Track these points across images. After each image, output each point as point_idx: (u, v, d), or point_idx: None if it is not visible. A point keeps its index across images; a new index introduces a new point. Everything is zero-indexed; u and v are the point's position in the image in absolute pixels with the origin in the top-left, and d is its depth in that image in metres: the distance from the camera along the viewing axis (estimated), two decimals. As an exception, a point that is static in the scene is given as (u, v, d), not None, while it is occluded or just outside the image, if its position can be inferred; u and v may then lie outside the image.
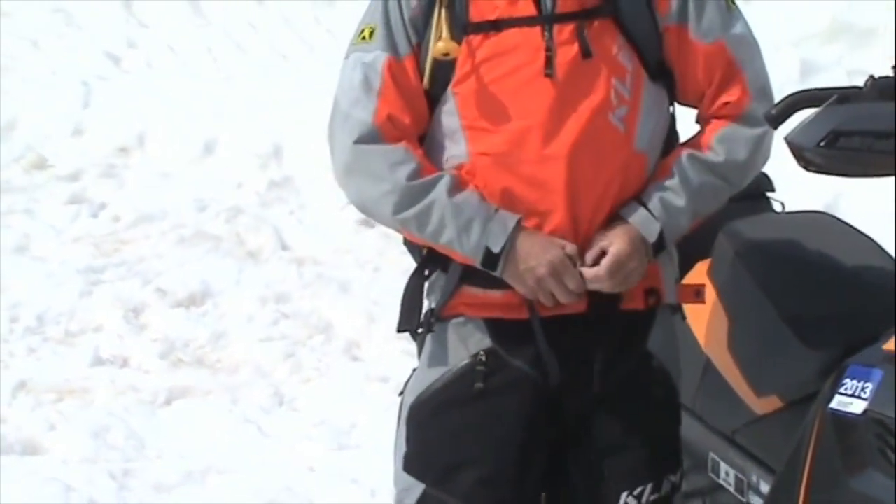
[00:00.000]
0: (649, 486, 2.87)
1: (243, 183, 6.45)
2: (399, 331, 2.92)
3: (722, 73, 2.78)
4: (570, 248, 2.66)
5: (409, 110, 2.73)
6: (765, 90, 2.82)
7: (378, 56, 2.71)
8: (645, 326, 2.85)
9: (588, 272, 2.68)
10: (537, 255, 2.66)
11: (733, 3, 2.80)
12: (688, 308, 3.36)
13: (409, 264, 3.70)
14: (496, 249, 2.65)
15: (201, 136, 6.75)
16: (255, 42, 8.04)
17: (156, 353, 5.23)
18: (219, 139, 6.71)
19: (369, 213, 2.83)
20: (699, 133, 2.83)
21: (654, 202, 2.75)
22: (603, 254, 2.67)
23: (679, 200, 2.78)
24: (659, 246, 2.76)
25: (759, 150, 2.82)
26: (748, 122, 2.79)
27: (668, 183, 2.77)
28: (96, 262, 5.83)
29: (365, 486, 4.21)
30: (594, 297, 2.73)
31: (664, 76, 2.77)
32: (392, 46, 2.72)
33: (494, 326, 2.78)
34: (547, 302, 2.68)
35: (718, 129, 2.81)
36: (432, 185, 2.68)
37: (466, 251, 2.67)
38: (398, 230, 2.80)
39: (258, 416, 4.74)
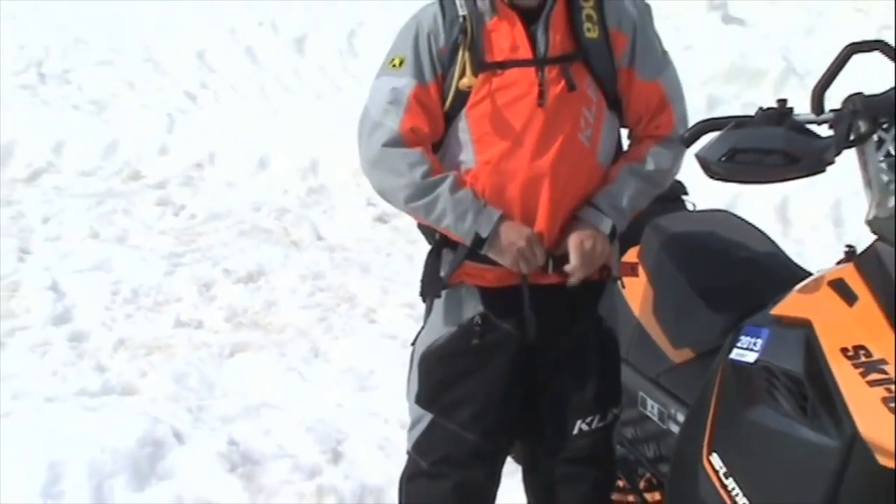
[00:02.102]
0: (597, 417, 2.89)
1: (288, 190, 6.43)
2: (421, 295, 2.92)
3: (657, 104, 2.83)
4: (532, 231, 2.71)
5: (429, 124, 2.73)
6: (685, 118, 2.88)
7: (409, 82, 2.71)
8: (597, 295, 2.87)
9: (568, 268, 2.74)
10: (517, 234, 2.69)
11: (665, 52, 2.82)
12: (623, 283, 3.34)
13: (413, 251, 3.60)
14: (484, 234, 2.69)
15: (256, 155, 6.74)
16: (298, 84, 8.03)
17: (222, 317, 5.22)
18: (270, 157, 6.70)
19: (387, 198, 2.83)
20: (633, 148, 2.89)
21: (605, 205, 2.80)
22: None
23: (623, 202, 2.81)
24: (612, 236, 2.80)
25: (678, 162, 2.87)
26: (672, 142, 2.82)
27: (613, 189, 2.82)
28: (177, 249, 5.82)
29: (380, 418, 4.22)
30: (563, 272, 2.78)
31: (616, 106, 2.77)
32: (420, 74, 2.71)
33: (486, 296, 2.79)
34: (523, 269, 2.71)
35: (650, 146, 2.84)
36: (440, 182, 2.70)
37: (461, 234, 2.69)
38: (407, 213, 2.79)
39: (299, 365, 4.73)
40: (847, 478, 2.48)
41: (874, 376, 2.47)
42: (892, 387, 2.44)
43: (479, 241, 2.70)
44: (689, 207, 3.61)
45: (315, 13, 8.87)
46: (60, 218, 6.08)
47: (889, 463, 2.42)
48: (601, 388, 2.90)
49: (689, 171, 2.91)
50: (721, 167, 2.73)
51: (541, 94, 2.68)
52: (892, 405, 2.43)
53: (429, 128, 2.74)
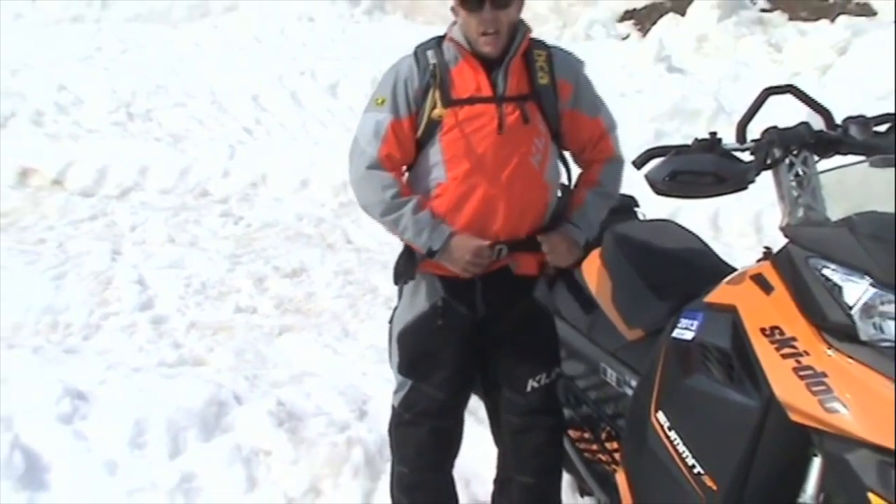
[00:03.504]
0: (544, 375, 2.91)
1: (324, 204, 6.43)
2: (395, 281, 2.94)
3: (599, 135, 2.87)
4: (482, 242, 2.74)
5: (401, 151, 2.74)
6: (618, 144, 2.95)
7: (387, 117, 2.72)
8: (532, 283, 2.87)
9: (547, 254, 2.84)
10: (464, 248, 2.75)
11: (599, 97, 2.91)
12: (587, 275, 3.34)
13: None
14: (435, 248, 2.74)
15: (299, 177, 6.74)
16: (332, 121, 7.99)
17: (272, 305, 5.20)
18: (310, 178, 6.70)
19: (367, 211, 2.85)
20: (587, 174, 2.94)
21: (582, 223, 2.88)
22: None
23: (592, 219, 2.88)
24: (585, 245, 2.93)
25: (622, 176, 2.97)
26: (615, 161, 2.91)
27: (585, 210, 2.89)
28: (237, 251, 5.80)
29: (394, 385, 4.20)
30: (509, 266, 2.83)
31: (558, 138, 2.80)
32: (396, 111, 2.72)
33: (445, 285, 2.80)
34: (467, 274, 2.77)
35: (600, 169, 2.90)
36: (405, 203, 2.74)
37: (419, 245, 2.74)
38: (381, 224, 2.85)
39: (333, 342, 4.72)
40: (765, 431, 2.48)
41: (786, 350, 2.47)
42: (801, 359, 2.44)
43: (431, 252, 2.75)
44: (640, 217, 3.61)
45: (345, 65, 8.85)
46: (145, 226, 6.08)
47: (798, 419, 2.42)
48: (544, 352, 2.94)
49: (640, 189, 2.91)
50: (665, 185, 2.73)
51: (500, 125, 2.69)
52: (801, 373, 2.43)
53: (400, 154, 2.77)
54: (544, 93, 2.75)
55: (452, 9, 2.75)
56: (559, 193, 2.94)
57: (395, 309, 2.95)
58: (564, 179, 2.93)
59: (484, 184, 2.71)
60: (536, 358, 2.90)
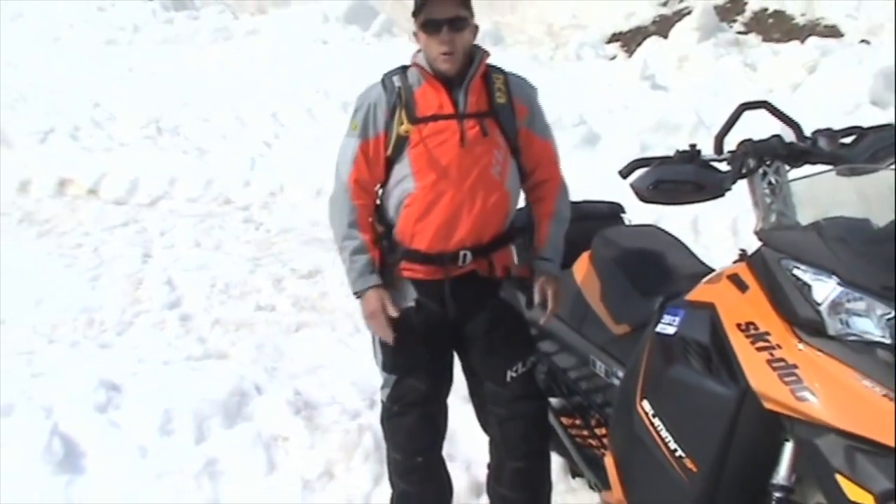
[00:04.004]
0: (520, 364, 2.89)
1: (338, 211, 6.43)
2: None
3: (549, 158, 2.92)
4: (388, 307, 2.80)
5: (370, 172, 2.81)
6: (560, 169, 2.99)
7: (356, 142, 2.77)
8: (497, 285, 2.91)
9: (546, 312, 2.93)
10: (369, 304, 2.84)
11: (548, 125, 2.95)
12: (578, 276, 3.33)
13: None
14: (355, 291, 2.85)
15: (314, 187, 6.71)
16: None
17: (289, 303, 5.19)
18: (323, 188, 6.61)
19: (331, 228, 2.91)
20: (543, 205, 2.98)
21: (553, 255, 2.96)
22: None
23: (558, 245, 2.99)
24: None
25: (568, 199, 3.01)
26: (564, 189, 2.96)
27: (552, 242, 2.96)
28: (258, 255, 5.80)
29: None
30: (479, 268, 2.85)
31: (516, 154, 2.82)
32: (365, 134, 2.77)
33: (418, 288, 2.81)
34: (371, 329, 2.93)
35: (554, 199, 2.96)
36: (353, 241, 2.81)
37: (349, 282, 2.87)
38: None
39: (346, 338, 4.71)
40: (741, 417, 2.47)
41: (760, 344, 2.47)
42: (774, 352, 2.44)
43: (356, 294, 2.84)
44: (626, 223, 3.61)
45: (356, 84, 8.80)
46: (173, 232, 6.08)
47: (772, 407, 2.42)
48: (516, 344, 2.93)
49: (626, 196, 2.91)
50: (649, 193, 2.73)
51: (462, 139, 2.72)
52: (773, 365, 2.43)
53: (370, 176, 2.81)
54: (502, 111, 2.79)
55: (414, 34, 2.83)
56: (520, 204, 2.97)
57: None
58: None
59: (450, 191, 2.73)
60: (510, 350, 2.89)
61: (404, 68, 2.83)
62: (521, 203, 3.02)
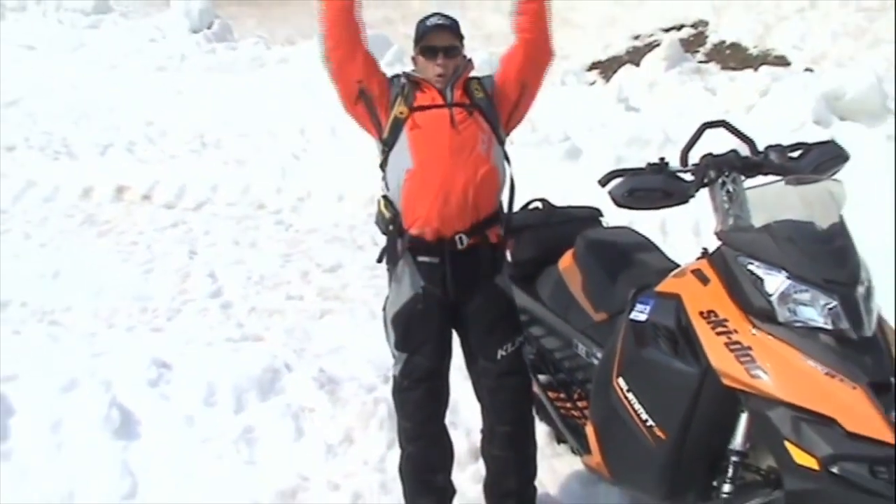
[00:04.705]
0: (510, 344, 2.86)
1: (356, 214, 6.38)
2: (378, 260, 2.95)
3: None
4: None
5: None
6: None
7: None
8: (492, 271, 2.88)
9: None
10: None
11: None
12: (562, 270, 3.32)
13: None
14: None
15: (336, 193, 6.70)
16: (363, 149, 7.98)
17: (315, 293, 5.17)
18: (345, 194, 6.66)
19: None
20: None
21: None
22: None
23: None
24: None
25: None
26: None
27: None
28: (288, 251, 5.77)
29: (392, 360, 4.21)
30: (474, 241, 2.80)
31: (498, 134, 2.82)
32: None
33: (423, 274, 2.79)
34: None
35: None
36: None
37: None
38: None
39: (363, 323, 4.69)
40: (703, 392, 2.48)
41: (720, 329, 2.47)
42: (731, 336, 2.44)
43: None
44: (604, 225, 3.60)
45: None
46: (215, 232, 6.06)
47: (729, 383, 2.42)
48: (507, 327, 2.91)
49: (604, 202, 2.91)
50: (624, 199, 2.73)
51: (451, 121, 2.75)
52: (731, 347, 2.43)
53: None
54: (482, 102, 2.84)
55: (413, 58, 2.90)
56: (507, 183, 2.93)
57: (387, 298, 2.94)
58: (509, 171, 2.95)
59: (444, 165, 2.75)
60: (502, 332, 2.88)
61: (408, 75, 2.90)
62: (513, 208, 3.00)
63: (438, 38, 2.81)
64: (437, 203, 2.74)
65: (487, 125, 2.81)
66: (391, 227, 2.84)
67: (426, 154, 2.75)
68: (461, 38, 2.88)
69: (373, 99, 2.85)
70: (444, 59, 2.80)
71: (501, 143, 2.87)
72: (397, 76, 2.91)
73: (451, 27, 2.84)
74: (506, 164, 2.88)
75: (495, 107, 2.86)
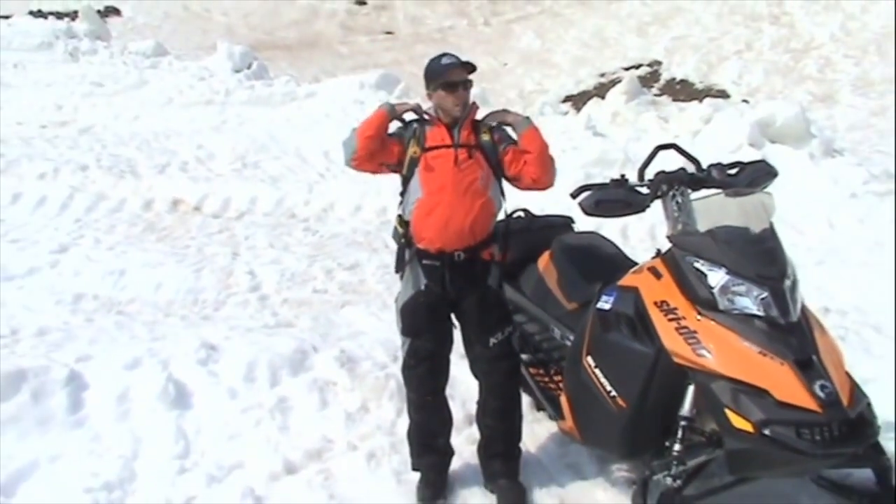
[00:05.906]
0: (500, 333, 2.84)
1: (371, 222, 6.38)
2: (396, 272, 2.94)
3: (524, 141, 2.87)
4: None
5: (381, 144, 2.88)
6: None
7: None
8: (485, 273, 2.83)
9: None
10: (380, 109, 2.96)
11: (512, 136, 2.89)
12: (541, 267, 3.30)
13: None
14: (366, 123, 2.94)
15: (355, 205, 6.68)
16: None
17: (337, 287, 5.15)
18: (362, 205, 6.64)
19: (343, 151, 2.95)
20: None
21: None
22: None
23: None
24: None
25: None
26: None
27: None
28: (314, 253, 5.75)
29: (400, 342, 4.16)
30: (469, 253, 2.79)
31: (498, 173, 2.79)
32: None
33: (426, 274, 2.77)
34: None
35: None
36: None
37: (360, 129, 2.95)
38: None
39: (377, 312, 4.67)
40: (657, 368, 2.48)
41: (671, 316, 2.47)
42: (680, 322, 2.45)
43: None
44: (575, 230, 3.60)
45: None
46: (254, 237, 6.04)
47: (679, 361, 2.42)
48: (499, 319, 2.89)
49: (575, 212, 2.91)
50: (591, 209, 2.74)
51: (456, 161, 2.76)
52: (680, 332, 2.43)
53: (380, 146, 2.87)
54: (486, 145, 2.83)
55: (428, 94, 2.86)
56: (502, 214, 2.94)
57: (399, 293, 2.95)
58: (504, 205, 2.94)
59: (448, 196, 2.76)
60: (494, 323, 2.87)
61: (422, 120, 2.88)
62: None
63: (457, 74, 2.80)
64: (440, 227, 2.77)
65: (486, 164, 2.81)
66: (403, 240, 2.88)
67: (432, 188, 2.78)
68: (472, 72, 2.88)
69: (393, 164, 2.89)
70: (461, 92, 2.81)
71: (499, 178, 2.86)
72: (412, 122, 2.90)
73: (464, 64, 2.81)
74: (501, 197, 2.88)
75: (497, 154, 2.85)
